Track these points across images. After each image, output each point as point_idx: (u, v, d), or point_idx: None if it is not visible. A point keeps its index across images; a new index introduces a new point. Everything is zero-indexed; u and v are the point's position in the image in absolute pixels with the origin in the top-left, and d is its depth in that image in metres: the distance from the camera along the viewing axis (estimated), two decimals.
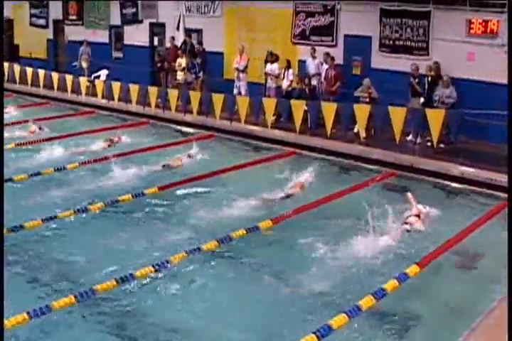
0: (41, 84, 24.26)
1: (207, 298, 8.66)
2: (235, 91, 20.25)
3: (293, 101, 17.42)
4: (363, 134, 16.15)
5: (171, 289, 8.89)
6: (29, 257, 9.99)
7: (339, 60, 18.93)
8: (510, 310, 6.65)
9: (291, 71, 19.10)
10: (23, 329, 7.75)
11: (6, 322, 7.49)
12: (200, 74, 21.52)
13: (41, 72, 24.47)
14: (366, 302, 7.97)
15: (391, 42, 18.16)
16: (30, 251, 10.23)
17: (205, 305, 8.46)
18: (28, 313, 7.76)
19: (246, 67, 20.34)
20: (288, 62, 19.24)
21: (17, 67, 25.99)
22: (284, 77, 19.15)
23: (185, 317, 8.20)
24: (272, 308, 8.39)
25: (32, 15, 30.21)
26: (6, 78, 26.50)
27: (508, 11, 14.93)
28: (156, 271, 9.12)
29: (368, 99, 17.00)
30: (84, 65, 24.86)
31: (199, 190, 13.19)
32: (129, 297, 8.68)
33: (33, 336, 7.80)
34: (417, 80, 16.57)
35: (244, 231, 10.53)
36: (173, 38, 22.58)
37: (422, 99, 16.48)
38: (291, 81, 18.95)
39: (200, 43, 22.12)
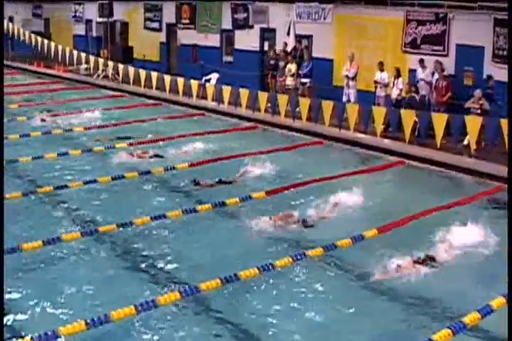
0: (154, 85, 25.13)
1: None
2: (344, 98, 20.46)
3: (403, 111, 17.46)
4: (473, 146, 16.08)
5: None
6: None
7: (450, 70, 18.89)
8: (511, 310, 6.70)
9: (400, 80, 19.16)
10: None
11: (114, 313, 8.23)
12: (308, 80, 21.86)
13: (154, 74, 25.36)
14: None
15: (505, 52, 17.98)
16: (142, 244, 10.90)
17: None
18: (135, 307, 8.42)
19: (356, 74, 20.52)
20: (398, 70, 19.32)
21: (131, 69, 27.00)
22: (393, 86, 19.25)
23: None
24: None
25: (146, 19, 31.18)
26: (120, 79, 27.61)
27: (508, 10, 14.63)
28: None
29: (479, 111, 16.89)
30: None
31: (309, 195, 13.47)
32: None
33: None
34: None
35: (350, 241, 10.80)
36: (285, 44, 22.96)
37: None
38: (401, 90, 19.01)
39: (310, 50, 22.43)
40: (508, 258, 7.80)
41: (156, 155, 16.35)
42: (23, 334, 8.24)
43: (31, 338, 7.94)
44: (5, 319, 8.68)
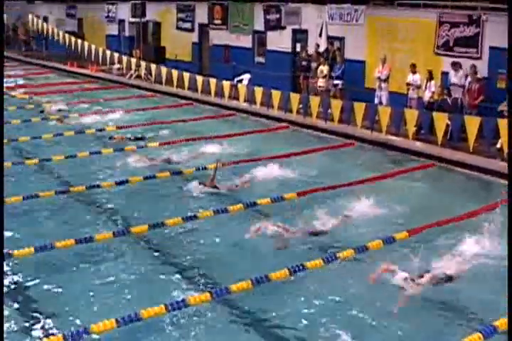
0: (186, 85, 25.28)
1: None
2: (376, 100, 20.41)
3: (435, 113, 17.39)
4: (506, 150, 15.96)
5: None
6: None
7: (483, 72, 18.77)
8: (510, 309, 6.65)
9: (433, 82, 19.06)
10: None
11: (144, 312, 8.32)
12: (340, 82, 21.86)
13: (186, 74, 25.51)
14: None
15: None
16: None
17: None
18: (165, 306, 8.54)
19: (388, 76, 20.47)
20: (430, 73, 19.21)
21: (163, 69, 27.17)
22: (426, 88, 19.17)
23: None
24: None
25: (178, 19, 31.32)
26: (152, 79, 27.80)
27: (508, 11, 14.46)
28: None
29: None
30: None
31: (339, 197, 13.47)
32: None
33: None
34: None
35: (381, 242, 10.80)
36: (317, 45, 22.96)
37: None
38: (433, 92, 18.93)
39: (342, 51, 22.42)
40: (508, 258, 7.77)
41: (187, 155, 16.43)
42: (54, 331, 8.35)
43: (63, 335, 8.04)
44: (36, 316, 8.82)
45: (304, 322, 8.57)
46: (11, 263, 10.43)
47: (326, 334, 8.25)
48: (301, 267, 9.73)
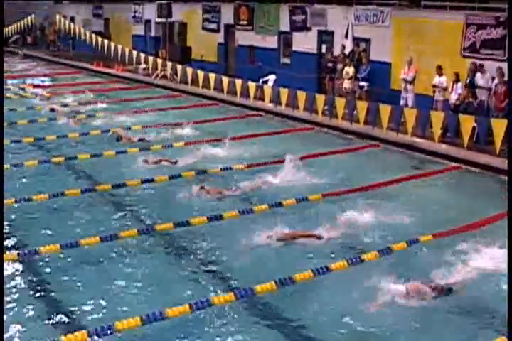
0: (211, 86, 25.35)
1: None
2: (402, 102, 20.34)
3: (461, 116, 17.30)
4: None
5: None
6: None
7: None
8: (510, 309, 6.60)
9: (459, 84, 18.96)
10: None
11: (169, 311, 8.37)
12: (366, 83, 21.82)
13: (212, 74, 25.59)
14: None
15: None
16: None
17: None
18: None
19: (414, 78, 20.40)
20: (456, 75, 19.11)
21: (189, 69, 27.28)
22: (452, 91, 19.07)
23: None
24: None
25: (204, 20, 31.41)
26: (178, 79, 27.91)
27: (508, 10, 14.25)
28: None
29: None
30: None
31: (364, 198, 13.45)
32: None
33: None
34: None
35: (406, 244, 10.78)
36: (343, 46, 22.94)
37: None
38: (460, 94, 18.83)
39: (368, 53, 22.38)
40: (508, 259, 7.71)
41: (212, 155, 16.48)
42: (79, 327, 8.42)
43: (88, 331, 8.11)
44: (61, 312, 8.90)
45: (328, 323, 8.58)
46: (37, 260, 10.53)
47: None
48: (325, 269, 9.74)
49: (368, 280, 9.24)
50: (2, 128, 10.07)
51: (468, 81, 18.75)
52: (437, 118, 17.62)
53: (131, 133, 18.98)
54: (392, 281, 9.13)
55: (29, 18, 40.73)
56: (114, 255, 10.67)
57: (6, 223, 12.08)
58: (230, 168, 15.24)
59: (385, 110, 18.56)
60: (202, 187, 13.33)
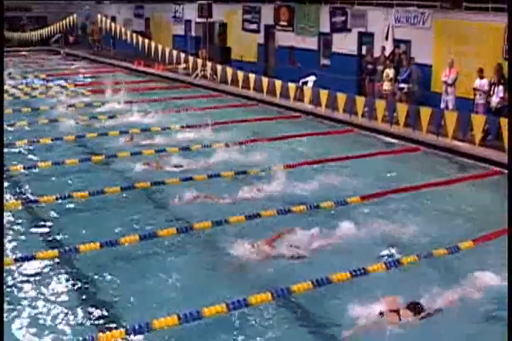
0: (251, 86, 25.41)
1: None
2: (442, 105, 20.16)
3: (503, 119, 17.10)
4: None
5: None
6: None
7: None
8: (510, 309, 6.50)
9: (501, 87, 18.74)
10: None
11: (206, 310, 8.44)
12: (405, 85, 21.68)
13: (251, 75, 25.65)
14: None
15: None
16: None
17: None
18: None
19: (455, 81, 20.21)
20: (498, 78, 18.90)
21: (229, 69, 27.37)
22: (493, 94, 18.86)
23: None
24: None
25: (244, 20, 31.45)
26: (218, 79, 27.99)
27: (508, 10, 13.92)
28: None
29: None
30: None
31: (403, 202, 13.37)
32: None
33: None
34: None
35: (446, 251, 10.69)
36: (383, 48, 22.83)
37: None
38: (502, 98, 18.61)
39: (408, 55, 22.23)
40: (508, 259, 7.63)
41: (251, 155, 16.51)
42: (117, 325, 8.51)
43: (125, 329, 8.18)
44: (100, 309, 8.98)
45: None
46: (77, 258, 10.64)
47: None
48: (362, 270, 9.73)
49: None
50: (2, 129, 10.19)
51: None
52: (478, 121, 17.45)
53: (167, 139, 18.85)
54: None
55: (71, 17, 41.14)
56: (153, 253, 10.73)
57: (47, 220, 12.29)
58: (269, 169, 15.25)
59: (426, 113, 18.42)
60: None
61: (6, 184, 14.44)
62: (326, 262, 10.37)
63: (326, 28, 26.73)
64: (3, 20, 30.71)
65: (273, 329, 8.48)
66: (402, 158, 16.97)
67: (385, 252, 10.89)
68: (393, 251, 10.93)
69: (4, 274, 9.97)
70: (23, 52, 42.96)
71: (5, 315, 8.77)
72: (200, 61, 29.90)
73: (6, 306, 8.97)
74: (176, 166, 15.58)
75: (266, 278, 9.84)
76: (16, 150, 17.71)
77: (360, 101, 20.54)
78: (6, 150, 17.57)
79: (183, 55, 31.16)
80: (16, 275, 10.07)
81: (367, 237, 11.32)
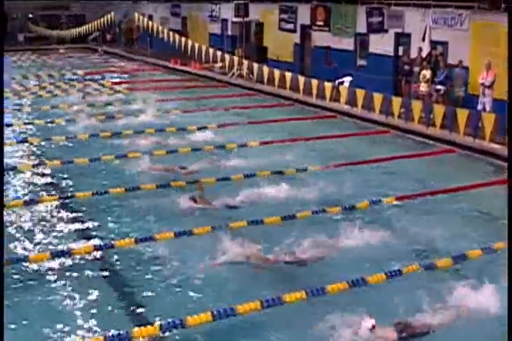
0: (287, 86, 25.41)
1: None
2: (479, 107, 19.99)
3: None
4: None
5: None
6: None
7: None
8: (510, 309, 6.42)
9: None
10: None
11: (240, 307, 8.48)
12: (442, 87, 21.53)
13: (288, 74, 25.66)
14: None
15: None
16: None
17: None
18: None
19: (492, 83, 20.03)
20: None
21: (265, 69, 27.42)
22: None
23: None
24: None
25: (281, 20, 31.43)
26: (254, 79, 28.04)
27: (508, 10, 13.66)
28: None
29: None
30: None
31: (438, 204, 13.32)
32: None
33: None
34: None
35: (481, 252, 10.64)
36: (420, 49, 22.70)
37: None
38: None
39: (445, 56, 22.08)
40: (508, 257, 7.53)
41: (287, 155, 16.53)
42: (151, 321, 8.60)
43: (160, 325, 8.25)
44: (135, 304, 9.07)
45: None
46: (112, 253, 10.75)
47: None
48: (397, 272, 9.73)
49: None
50: (2, 129, 10.30)
51: None
52: None
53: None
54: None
55: (109, 15, 41.47)
56: (188, 250, 10.76)
57: (84, 215, 12.43)
58: (305, 170, 15.25)
59: (463, 115, 18.29)
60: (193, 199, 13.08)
61: (44, 179, 14.71)
62: (359, 262, 10.40)
63: (362, 28, 26.60)
64: (3, 20, 31.01)
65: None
66: (438, 160, 16.86)
67: (420, 254, 10.87)
68: (428, 252, 10.90)
69: (41, 268, 10.16)
70: (61, 50, 43.40)
71: (43, 309, 8.98)
72: (236, 60, 29.97)
73: (44, 300, 9.16)
74: (208, 165, 15.66)
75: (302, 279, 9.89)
76: (54, 145, 17.98)
77: (397, 102, 20.45)
78: (44, 144, 17.92)
79: (219, 54, 31.26)
80: (53, 269, 10.20)
81: (401, 238, 11.35)
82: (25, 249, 11.00)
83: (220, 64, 31.49)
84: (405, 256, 10.70)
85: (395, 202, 13.16)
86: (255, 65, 28.40)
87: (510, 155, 9.23)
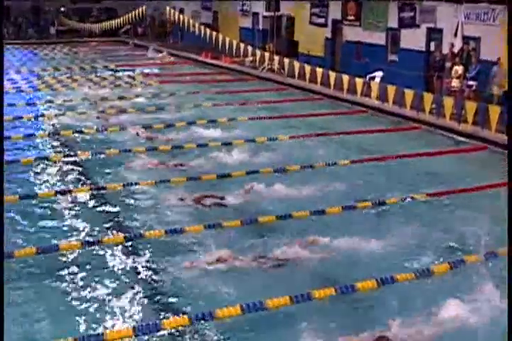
0: (318, 80, 25.37)
1: None
2: None
3: None
4: None
5: None
6: None
7: None
8: (510, 310, 6.35)
9: None
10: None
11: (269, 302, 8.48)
12: (474, 83, 21.36)
13: (319, 69, 25.61)
14: None
15: None
16: None
17: None
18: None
19: None
20: None
21: (296, 63, 27.38)
22: None
23: None
24: None
25: (312, 14, 31.36)
26: (285, 73, 28.01)
27: (508, 10, 13.33)
28: None
29: None
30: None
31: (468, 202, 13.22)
32: None
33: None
34: None
35: None
36: (452, 45, 22.53)
37: None
38: None
39: (477, 52, 21.90)
40: (508, 256, 7.46)
41: (316, 150, 16.51)
42: (181, 313, 8.65)
43: (189, 317, 8.29)
44: (163, 297, 9.12)
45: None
46: (141, 245, 10.81)
47: None
48: (426, 271, 9.71)
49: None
50: (2, 128, 10.36)
51: None
52: None
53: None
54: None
55: (140, 9, 41.64)
56: (219, 242, 10.77)
57: (113, 206, 12.52)
58: (335, 164, 15.21)
59: (495, 111, 18.12)
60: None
61: (75, 170, 14.85)
62: (389, 260, 10.35)
63: (394, 23, 26.48)
64: (3, 19, 31.17)
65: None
66: (469, 157, 16.72)
67: (450, 251, 10.82)
68: (457, 250, 10.85)
69: (71, 258, 10.26)
70: (93, 43, 43.70)
71: (73, 297, 9.05)
72: (267, 54, 29.95)
73: (77, 289, 9.24)
74: (234, 159, 15.65)
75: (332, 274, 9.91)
76: (87, 137, 18.15)
77: (428, 97, 20.31)
78: (77, 136, 18.05)
79: (250, 48, 31.27)
80: (83, 259, 10.30)
81: (431, 234, 11.27)
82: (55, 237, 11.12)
83: (250, 58, 31.49)
84: (434, 253, 10.62)
85: (426, 199, 13.07)
86: (286, 60, 28.36)
87: (511, 156, 9.12)
